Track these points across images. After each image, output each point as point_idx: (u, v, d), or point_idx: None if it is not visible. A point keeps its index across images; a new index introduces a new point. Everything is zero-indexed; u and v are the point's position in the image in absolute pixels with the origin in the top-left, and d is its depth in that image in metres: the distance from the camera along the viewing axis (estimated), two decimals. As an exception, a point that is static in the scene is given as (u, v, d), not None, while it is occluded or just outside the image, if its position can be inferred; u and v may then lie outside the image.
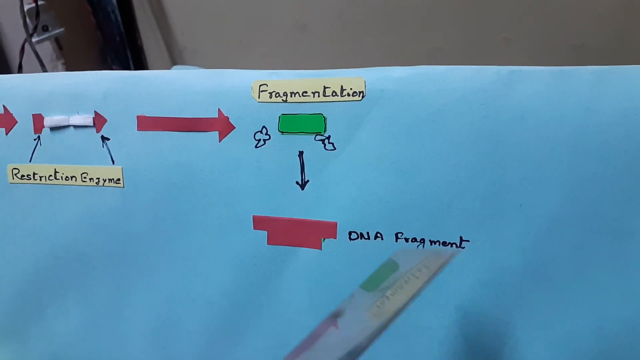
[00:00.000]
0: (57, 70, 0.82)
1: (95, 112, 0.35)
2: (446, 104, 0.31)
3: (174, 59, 0.90)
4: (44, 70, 0.71)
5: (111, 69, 0.85)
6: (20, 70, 0.67)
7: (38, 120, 0.36)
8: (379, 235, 0.33)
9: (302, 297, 0.34)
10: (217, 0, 0.81)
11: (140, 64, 0.91)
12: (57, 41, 0.77)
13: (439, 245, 0.32)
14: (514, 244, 0.31)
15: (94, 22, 0.82)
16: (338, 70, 0.32)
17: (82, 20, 0.83)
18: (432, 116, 0.31)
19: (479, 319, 0.32)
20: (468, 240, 0.32)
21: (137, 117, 0.34)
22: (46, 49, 0.78)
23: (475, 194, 0.31)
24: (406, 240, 0.32)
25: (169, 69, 0.90)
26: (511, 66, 0.31)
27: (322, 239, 0.33)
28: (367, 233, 0.33)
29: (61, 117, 0.35)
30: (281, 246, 0.34)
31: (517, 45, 0.71)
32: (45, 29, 0.73)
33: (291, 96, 0.32)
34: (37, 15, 0.68)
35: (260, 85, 0.33)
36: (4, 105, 0.36)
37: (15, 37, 0.80)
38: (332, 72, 0.32)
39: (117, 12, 0.85)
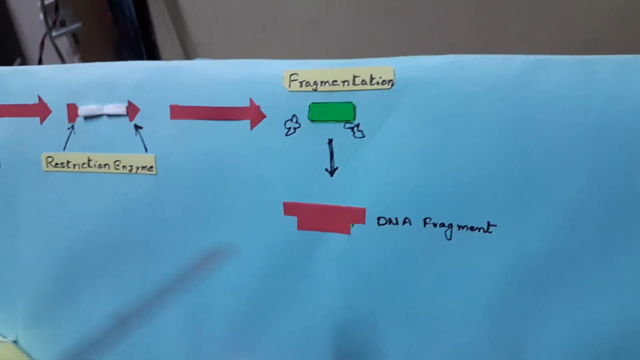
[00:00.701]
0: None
1: (129, 102, 0.36)
2: (474, 91, 0.31)
3: (187, 55, 0.91)
4: (64, 64, 0.72)
5: (127, 63, 0.85)
6: (40, 64, 0.68)
7: (72, 110, 0.37)
8: (407, 220, 0.33)
9: (331, 281, 0.35)
10: (231, -5, 0.82)
11: (154, 59, 0.92)
12: (74, 36, 0.78)
13: (467, 229, 0.33)
14: (540, 229, 0.32)
15: (110, 17, 0.83)
16: (368, 60, 0.33)
17: (98, 15, 0.84)
18: (460, 104, 0.32)
19: (504, 303, 0.33)
20: (495, 225, 0.32)
21: (170, 106, 0.35)
22: (63, 44, 0.79)
23: (502, 179, 0.32)
24: (434, 225, 0.33)
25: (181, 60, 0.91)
26: (538, 55, 0.31)
27: (351, 224, 0.34)
28: (396, 218, 0.34)
29: (95, 106, 0.36)
30: (311, 231, 0.35)
31: (531, 40, 0.71)
32: (63, 23, 0.74)
33: (321, 85, 0.33)
34: (57, 10, 0.69)
35: (291, 75, 0.34)
36: (38, 96, 0.37)
37: (31, 32, 0.81)
38: (361, 61, 0.33)
39: (132, 7, 0.85)
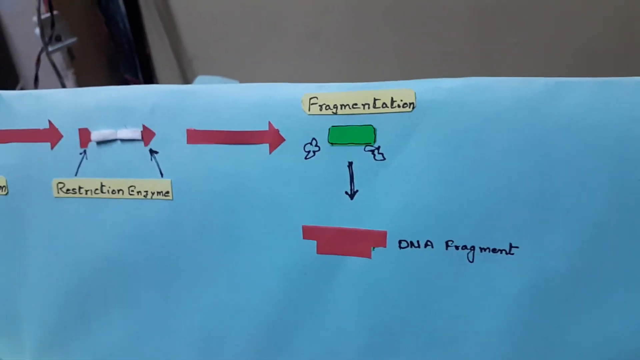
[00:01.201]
0: (68, 80, 0.82)
1: (144, 126, 0.35)
2: (494, 113, 0.32)
3: (182, 68, 0.90)
4: (60, 79, 0.71)
5: (124, 78, 0.85)
6: (37, 80, 0.67)
7: (84, 135, 0.36)
8: (429, 243, 0.33)
9: (351, 306, 0.35)
10: (227, 8, 0.82)
11: (149, 73, 0.91)
12: (69, 51, 0.77)
13: (489, 252, 0.33)
14: (561, 249, 0.32)
15: (106, 32, 0.82)
16: (388, 82, 0.33)
17: (92, 29, 0.83)
18: (480, 126, 0.32)
19: (527, 324, 0.33)
20: (517, 247, 0.33)
21: (187, 130, 0.35)
22: (57, 59, 0.77)
23: (523, 201, 0.32)
24: (456, 248, 0.33)
25: (178, 77, 0.90)
26: (558, 77, 0.31)
27: (372, 247, 0.34)
28: (417, 241, 0.33)
29: (108, 131, 0.36)
30: (331, 255, 0.35)
31: (527, 49, 0.72)
32: (58, 38, 0.73)
33: (341, 108, 0.33)
34: (53, 25, 0.68)
35: (310, 98, 0.33)
36: (49, 120, 0.36)
37: (26, 47, 0.79)
38: (382, 84, 0.33)
39: (125, 20, 0.85)
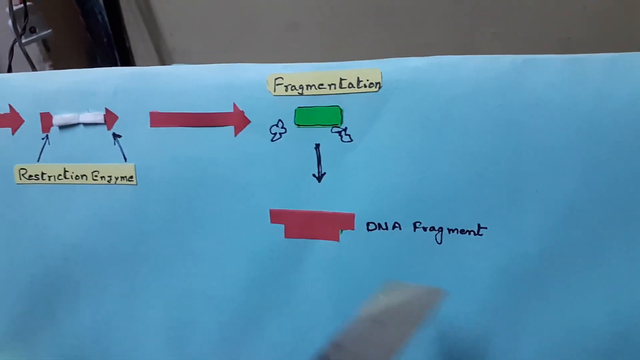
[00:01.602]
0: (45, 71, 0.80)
1: (106, 109, 0.35)
2: (461, 93, 0.31)
3: (162, 60, 0.89)
4: (34, 70, 0.69)
5: (101, 70, 0.83)
6: (10, 71, 0.66)
7: (46, 119, 0.35)
8: (397, 225, 0.33)
9: (320, 290, 0.34)
10: (206, 0, 0.81)
11: (129, 66, 0.90)
12: (45, 43, 0.76)
13: (457, 233, 0.32)
14: (531, 230, 0.32)
15: (83, 24, 0.81)
16: (354, 62, 0.32)
17: (69, 21, 0.81)
18: (447, 105, 0.31)
19: (496, 306, 0.33)
20: (486, 228, 0.32)
21: (150, 113, 0.34)
22: (33, 51, 0.76)
23: (491, 181, 0.32)
24: (424, 229, 0.33)
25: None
26: (525, 55, 0.31)
27: (340, 230, 0.34)
28: (385, 223, 0.33)
29: (70, 115, 0.35)
30: (298, 239, 0.34)
31: (506, 40, 0.72)
32: (32, 30, 0.71)
33: (307, 89, 0.32)
34: (26, 16, 0.67)
35: (275, 79, 0.33)
36: (9, 105, 0.36)
37: (1, 39, 0.78)
38: (348, 63, 0.32)
39: (104, 13, 0.83)
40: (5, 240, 0.37)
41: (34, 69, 0.70)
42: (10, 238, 0.37)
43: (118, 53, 0.88)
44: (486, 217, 0.32)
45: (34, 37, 0.71)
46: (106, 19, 0.84)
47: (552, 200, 0.31)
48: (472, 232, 0.32)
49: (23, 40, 0.68)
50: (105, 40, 0.86)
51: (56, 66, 0.81)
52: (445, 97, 0.31)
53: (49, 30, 0.73)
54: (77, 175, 0.35)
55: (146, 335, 0.37)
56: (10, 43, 0.67)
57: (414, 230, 0.33)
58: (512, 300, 0.33)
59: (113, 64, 0.88)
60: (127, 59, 0.89)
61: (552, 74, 0.30)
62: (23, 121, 0.36)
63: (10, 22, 0.66)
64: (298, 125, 0.33)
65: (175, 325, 0.36)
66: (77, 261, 0.37)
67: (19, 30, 0.66)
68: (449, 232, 0.32)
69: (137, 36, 0.88)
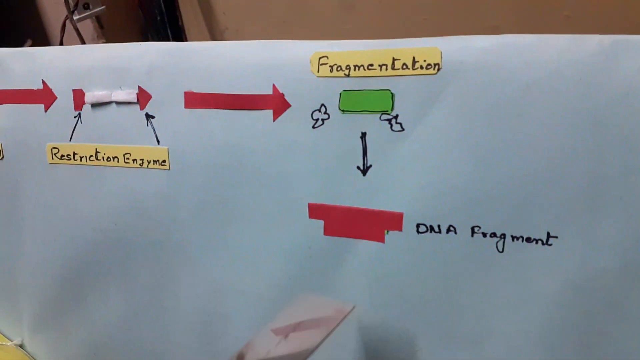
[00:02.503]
0: (98, 50, 0.80)
1: (139, 88, 0.32)
2: (537, 79, 0.26)
3: (215, 39, 0.88)
4: (85, 48, 0.69)
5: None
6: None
7: (78, 96, 0.33)
8: (452, 228, 0.29)
9: (361, 294, 0.31)
10: (261, -22, 0.78)
11: (180, 40, 0.89)
12: (98, 20, 0.75)
13: (522, 241, 0.28)
14: (611, 242, 0.27)
15: (136, 1, 0.80)
16: (409, 40, 0.28)
17: (123, -2, 0.81)
18: (520, 93, 0.27)
19: (564, 327, 0.28)
20: (556, 237, 0.28)
21: (185, 93, 0.32)
22: (87, 28, 0.76)
23: (568, 184, 0.27)
24: (484, 235, 0.28)
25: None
26: (616, 35, 0.26)
27: (386, 231, 0.30)
28: (438, 226, 0.29)
29: (103, 92, 0.33)
30: (339, 237, 0.31)
31: (580, 24, 0.65)
32: (86, 6, 0.71)
33: (355, 70, 0.29)
34: (79, -8, 0.66)
35: (320, 58, 0.29)
36: (42, 80, 0.34)
37: (56, 14, 0.78)
38: (402, 41, 0.28)
39: (158, -10, 0.82)
40: (38, 221, 0.36)
41: (83, 44, 0.70)
42: (42, 219, 0.36)
43: (171, 31, 0.87)
44: (558, 224, 0.27)
45: (87, 13, 0.71)
46: (160, -5, 0.83)
47: (638, 209, 0.26)
48: (539, 241, 0.28)
49: (76, 17, 0.68)
50: (158, 18, 0.85)
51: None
52: (517, 83, 0.27)
53: (103, 7, 0.73)
54: (108, 157, 0.34)
55: (176, 327, 0.35)
56: (63, 19, 0.67)
57: (472, 236, 0.29)
58: (583, 323, 0.28)
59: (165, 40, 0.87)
60: (179, 38, 0.88)
61: (649, 58, 0.25)
62: (56, 98, 0.34)
63: (63, -3, 0.65)
64: (343, 110, 0.29)
65: (206, 319, 0.34)
66: (108, 247, 0.35)
67: (71, 5, 0.65)
68: (513, 240, 0.28)
69: (190, 15, 0.86)
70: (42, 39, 0.80)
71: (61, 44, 0.64)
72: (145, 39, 0.86)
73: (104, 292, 0.36)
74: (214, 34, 0.89)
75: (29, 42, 0.56)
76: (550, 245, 0.28)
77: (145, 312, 0.35)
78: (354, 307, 0.28)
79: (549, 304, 0.28)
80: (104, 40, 0.80)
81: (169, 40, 0.88)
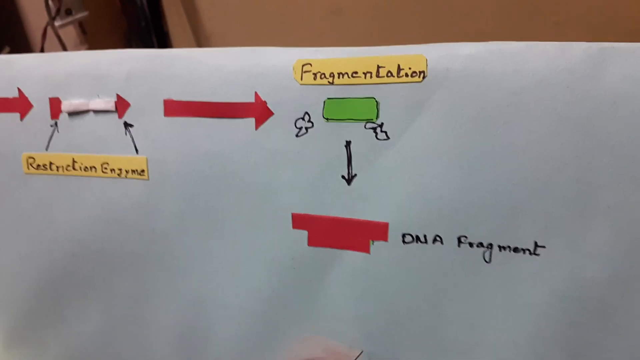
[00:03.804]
0: (81, 56, 0.79)
1: (118, 96, 0.31)
2: (524, 86, 0.26)
3: (200, 45, 0.87)
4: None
5: (136, 54, 0.82)
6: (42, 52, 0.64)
7: (55, 105, 0.32)
8: (438, 238, 0.28)
9: (346, 306, 0.30)
10: (246, -17, 0.77)
11: (165, 47, 0.88)
12: (81, 25, 0.74)
13: (510, 251, 0.28)
14: (599, 251, 0.27)
15: (119, 6, 0.79)
16: (394, 47, 0.28)
17: (106, 4, 0.80)
18: (506, 101, 0.26)
19: (553, 338, 0.28)
20: (544, 247, 0.27)
21: (164, 101, 0.31)
22: (69, 34, 0.75)
23: (555, 193, 0.26)
24: (471, 245, 0.28)
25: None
26: (603, 42, 0.26)
27: (371, 241, 0.29)
28: (424, 236, 0.28)
29: (80, 100, 0.32)
30: (323, 248, 0.30)
31: (569, 29, 0.65)
32: (68, 12, 0.70)
33: (339, 77, 0.28)
34: (61, -3, 0.65)
35: (303, 65, 0.29)
36: (18, 88, 0.33)
37: (37, 20, 0.77)
38: (387, 48, 0.28)
39: (142, -5, 0.81)
40: (13, 232, 0.35)
41: (64, 50, 0.69)
42: (18, 230, 0.35)
43: (156, 37, 0.86)
44: (545, 234, 0.27)
45: (70, 19, 0.70)
46: (144, 1, 0.82)
47: (627, 218, 0.26)
48: (527, 251, 0.27)
49: (59, 23, 0.67)
50: (143, 24, 0.84)
51: (93, 50, 0.79)
52: (504, 91, 0.26)
53: (85, 13, 0.72)
54: (86, 167, 0.33)
55: (156, 341, 0.34)
56: (44, 25, 0.66)
57: (459, 246, 0.28)
58: (572, 333, 0.28)
59: (150, 48, 0.86)
60: (164, 44, 0.87)
61: (635, 66, 0.25)
62: (32, 106, 0.33)
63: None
64: (327, 119, 0.29)
65: (187, 332, 0.33)
66: (86, 259, 0.34)
67: (53, 11, 0.64)
68: (500, 250, 0.28)
69: (175, 20, 0.85)
70: (23, 46, 0.79)
71: (42, 50, 0.63)
72: (129, 45, 0.85)
73: (82, 304, 0.35)
74: (200, 40, 0.88)
75: (7, 49, 0.55)
76: (538, 255, 0.27)
77: (125, 326, 0.34)
78: (361, 353, 0.27)
79: (537, 314, 0.28)
80: (87, 47, 0.79)
81: (153, 46, 0.87)
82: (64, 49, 0.65)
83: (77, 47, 0.78)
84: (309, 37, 0.77)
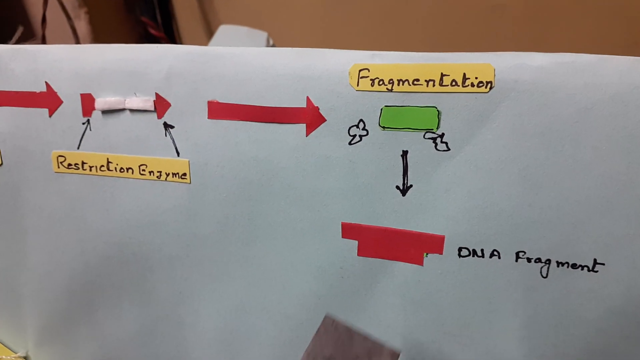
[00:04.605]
0: (80, 20, 0.75)
1: (157, 95, 0.30)
2: (595, 102, 0.25)
3: (204, 9, 0.83)
4: (69, 21, 0.64)
5: (140, 20, 0.78)
6: (44, 22, 0.61)
7: (87, 101, 0.30)
8: (495, 253, 0.28)
9: (395, 318, 0.30)
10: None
11: (168, 14, 0.84)
12: (81, -11, 0.70)
13: (568, 267, 0.27)
14: (659, 270, 0.26)
15: (120, -31, 0.75)
16: (460, 54, 0.26)
17: (106, -35, 0.75)
18: (576, 116, 0.25)
19: (605, 352, 0.28)
20: (603, 264, 0.27)
21: (209, 102, 0.29)
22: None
23: (619, 211, 0.26)
24: (528, 260, 0.27)
25: (199, 20, 0.83)
26: (682, 56, 0.24)
27: (425, 253, 0.29)
28: (482, 250, 0.28)
29: (115, 98, 0.30)
30: (374, 259, 0.29)
31: (586, 5, 0.63)
32: (68, -26, 0.65)
33: (398, 84, 0.27)
34: (61, -40, 0.61)
35: (360, 70, 0.27)
36: (46, 82, 0.31)
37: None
38: (451, 55, 0.26)
39: (143, -45, 0.77)
40: (43, 231, 0.34)
41: (68, 18, 0.65)
42: (48, 230, 0.33)
43: (157, 0, 0.82)
44: (605, 251, 0.27)
45: (69, -18, 0.65)
46: (145, -37, 0.78)
47: None
48: (585, 268, 0.27)
49: (58, -13, 0.62)
50: (144, -14, 0.80)
51: (92, 13, 0.75)
52: (574, 105, 0.25)
53: (86, -24, 0.67)
54: (122, 168, 0.31)
55: (195, 344, 0.34)
56: (45, -10, 0.62)
57: (516, 261, 0.28)
58: (624, 345, 0.28)
59: (151, 12, 0.82)
60: (166, 7, 0.83)
61: None
62: (61, 102, 0.31)
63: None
64: (383, 127, 0.27)
65: (228, 338, 0.33)
66: (121, 261, 0.33)
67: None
68: (558, 266, 0.27)
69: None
70: (20, 10, 0.74)
71: (43, 18, 0.59)
72: (130, 8, 0.81)
73: (117, 306, 0.34)
74: (203, 3, 0.84)
75: (20, 29, 0.51)
76: (596, 272, 0.27)
77: (163, 328, 0.34)
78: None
79: (590, 329, 0.28)
80: (86, 10, 0.75)
81: (154, 9, 0.83)
82: (67, 15, 0.62)
83: (75, 11, 0.74)
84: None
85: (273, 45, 0.50)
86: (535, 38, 0.65)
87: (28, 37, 0.67)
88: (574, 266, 0.27)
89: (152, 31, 0.79)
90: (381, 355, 0.22)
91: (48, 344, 0.36)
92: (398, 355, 0.22)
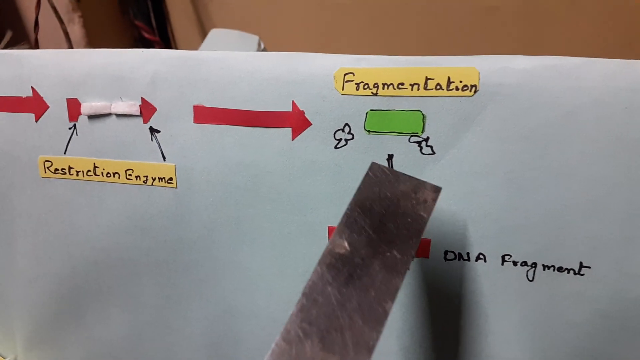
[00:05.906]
0: (74, 24, 0.75)
1: (142, 99, 0.29)
2: (580, 105, 0.25)
3: (198, 14, 0.83)
4: (62, 25, 0.64)
5: (134, 24, 0.78)
6: (37, 26, 0.61)
7: (73, 106, 0.30)
8: (481, 256, 0.28)
9: (383, 321, 0.30)
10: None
11: (162, 19, 0.84)
12: (74, -8, 0.70)
13: (554, 270, 0.27)
14: (645, 273, 0.26)
15: (114, -28, 0.75)
16: (444, 58, 0.26)
17: (100, -32, 0.75)
18: (561, 120, 0.25)
19: (593, 355, 0.28)
20: (589, 267, 0.27)
21: (194, 107, 0.29)
22: (62, 1, 0.71)
23: (605, 214, 0.26)
24: (514, 264, 0.27)
25: (192, 22, 0.83)
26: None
27: (412, 257, 0.28)
28: (467, 254, 0.28)
29: (101, 103, 0.30)
30: (361, 262, 0.29)
31: (582, 7, 0.63)
32: (61, -22, 0.65)
33: (383, 88, 0.27)
34: (53, -37, 0.61)
35: (345, 74, 0.27)
36: (32, 87, 0.31)
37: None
38: (435, 59, 0.26)
39: (137, -41, 0.77)
40: (30, 236, 0.33)
41: (61, 22, 0.65)
42: (36, 235, 0.33)
43: (151, 4, 0.82)
44: (591, 254, 0.27)
45: (62, -14, 0.65)
46: (139, -35, 0.78)
47: None
48: (571, 271, 0.27)
49: (51, -10, 0.62)
50: (138, -11, 0.80)
51: (86, 17, 0.75)
52: (558, 108, 0.25)
53: (79, -21, 0.67)
54: (108, 173, 0.31)
55: (183, 349, 0.33)
56: (38, -6, 0.62)
57: (502, 264, 0.27)
58: (612, 348, 0.28)
59: (145, 16, 0.82)
60: (160, 11, 0.83)
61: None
62: (48, 107, 0.31)
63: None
64: (368, 131, 0.27)
65: (216, 342, 0.33)
66: (108, 266, 0.33)
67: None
68: (544, 269, 0.27)
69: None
70: (13, 14, 0.74)
71: (36, 22, 0.59)
72: (124, 12, 0.81)
73: (105, 310, 0.34)
74: (197, 8, 0.84)
75: (9, 33, 0.51)
76: (583, 275, 0.27)
77: (150, 333, 0.34)
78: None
79: (576, 332, 0.28)
80: (80, 14, 0.75)
81: (148, 14, 0.83)
82: (59, 19, 0.61)
83: (69, 15, 0.74)
84: (318, 5, 0.74)
85: (264, 49, 0.50)
86: (530, 40, 0.65)
87: (20, 41, 0.67)
88: (560, 269, 0.27)
89: (147, 35, 0.79)
90: (425, 189, 0.23)
91: (37, 349, 0.36)
92: (440, 190, 0.23)
